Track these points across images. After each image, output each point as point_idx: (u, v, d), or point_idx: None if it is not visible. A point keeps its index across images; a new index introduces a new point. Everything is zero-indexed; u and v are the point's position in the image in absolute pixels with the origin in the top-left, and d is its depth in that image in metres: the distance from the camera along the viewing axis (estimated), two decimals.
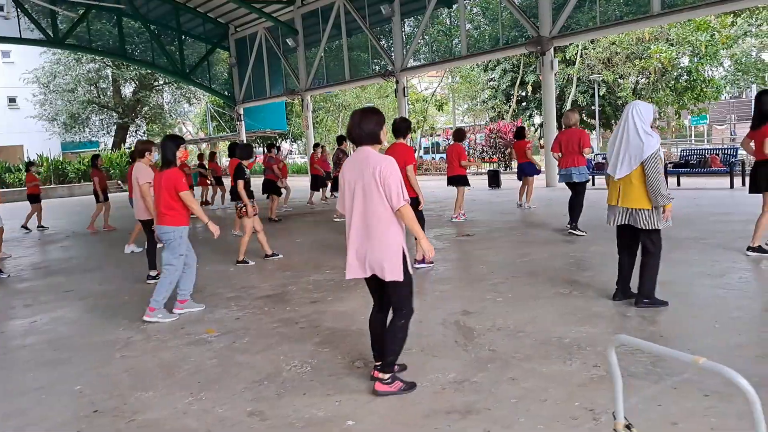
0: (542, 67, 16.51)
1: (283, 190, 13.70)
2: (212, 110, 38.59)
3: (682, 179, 14.51)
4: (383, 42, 21.52)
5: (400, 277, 3.35)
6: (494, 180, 17.61)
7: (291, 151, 50.94)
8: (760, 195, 6.17)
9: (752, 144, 6.18)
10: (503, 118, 29.64)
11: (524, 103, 30.30)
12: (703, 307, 4.72)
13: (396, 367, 3.78)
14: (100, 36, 27.05)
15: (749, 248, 6.27)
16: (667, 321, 4.43)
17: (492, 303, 5.22)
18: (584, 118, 30.13)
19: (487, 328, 4.50)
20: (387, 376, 3.42)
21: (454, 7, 19.45)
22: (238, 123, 29.51)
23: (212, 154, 16.65)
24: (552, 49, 16.09)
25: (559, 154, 8.20)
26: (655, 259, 4.69)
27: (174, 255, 5.16)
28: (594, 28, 15.59)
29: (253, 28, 26.94)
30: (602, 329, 4.31)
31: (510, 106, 30.36)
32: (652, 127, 4.65)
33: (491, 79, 31.26)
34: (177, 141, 5.30)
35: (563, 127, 8.39)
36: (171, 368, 4.15)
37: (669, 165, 14.96)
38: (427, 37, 21.04)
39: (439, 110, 38.96)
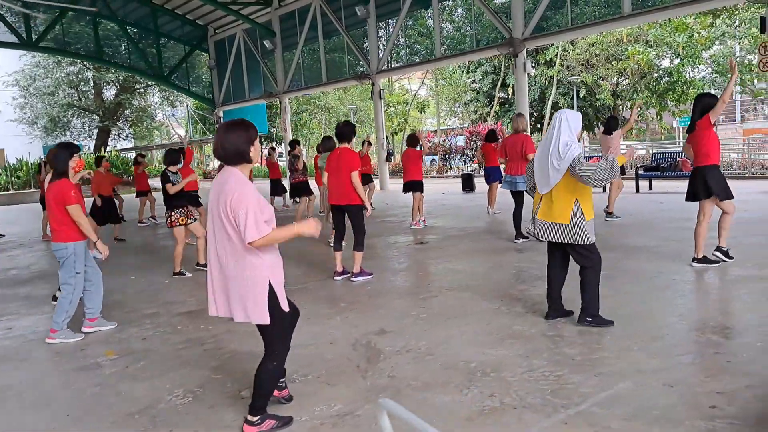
0: (515, 68, 16.27)
1: None
2: (193, 113, 38.18)
3: (655, 182, 14.27)
4: (366, 44, 21.15)
5: (266, 320, 2.95)
6: (468, 183, 17.34)
7: (280, 153, 50.48)
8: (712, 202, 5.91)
9: (692, 150, 5.93)
10: (485, 120, 29.40)
11: (506, 105, 30.03)
12: (630, 324, 4.44)
13: (287, 392, 3.50)
14: (78, 39, 26.60)
15: (695, 259, 6.03)
16: (586, 342, 4.15)
17: (414, 320, 4.94)
18: None
19: (396, 351, 4.22)
20: (256, 417, 3.12)
21: (429, 10, 19.16)
22: (218, 126, 29.16)
23: None
24: (524, 50, 15.81)
25: (505, 159, 7.92)
26: (594, 274, 4.40)
27: (70, 273, 4.82)
28: (566, 29, 15.31)
29: (232, 30, 26.57)
30: (515, 351, 4.03)
31: (492, 108, 30.11)
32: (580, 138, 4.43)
33: (473, 81, 31.01)
34: (70, 149, 4.95)
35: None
36: (48, 397, 3.85)
37: (641, 168, 14.76)
38: (405, 39, 20.75)
39: (421, 112, 38.61)
